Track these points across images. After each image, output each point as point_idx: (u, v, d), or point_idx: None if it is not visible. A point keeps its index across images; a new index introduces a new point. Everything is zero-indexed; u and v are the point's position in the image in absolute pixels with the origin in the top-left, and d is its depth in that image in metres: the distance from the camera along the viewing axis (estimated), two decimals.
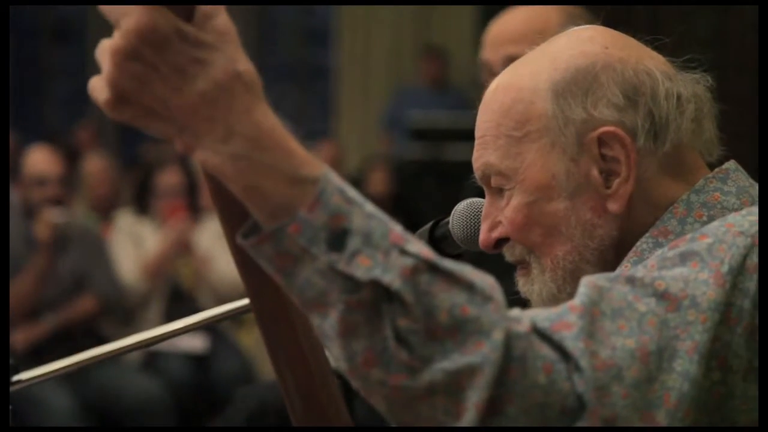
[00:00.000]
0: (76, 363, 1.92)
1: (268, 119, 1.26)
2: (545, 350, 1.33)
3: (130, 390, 5.83)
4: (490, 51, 2.88)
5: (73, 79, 11.49)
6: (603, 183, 1.66)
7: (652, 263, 1.48)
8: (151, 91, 1.24)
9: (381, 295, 1.27)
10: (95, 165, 7.06)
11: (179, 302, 6.40)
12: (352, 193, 1.28)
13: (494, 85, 1.74)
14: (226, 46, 1.25)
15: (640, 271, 1.46)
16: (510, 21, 2.91)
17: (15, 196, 6.03)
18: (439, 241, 1.91)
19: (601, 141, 1.65)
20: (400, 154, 9.60)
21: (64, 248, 5.81)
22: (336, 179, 1.28)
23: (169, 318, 6.03)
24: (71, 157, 7.75)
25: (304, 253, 1.26)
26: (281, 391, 1.45)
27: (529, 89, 1.68)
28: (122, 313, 6.11)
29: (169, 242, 6.48)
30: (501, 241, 1.72)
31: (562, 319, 1.37)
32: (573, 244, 1.66)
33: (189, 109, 1.24)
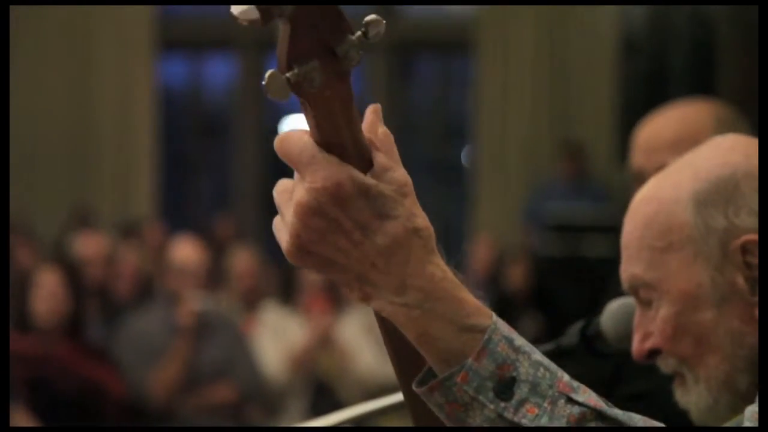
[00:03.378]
0: None
1: (441, 270, 1.30)
2: None
3: None
4: (642, 158, 2.82)
5: (218, 172, 11.73)
6: (749, 290, 1.67)
7: None
8: (333, 244, 1.28)
9: None
10: (241, 257, 7.20)
11: (321, 394, 6.45)
12: (521, 341, 1.31)
13: (639, 197, 1.77)
14: (405, 200, 1.29)
15: None
16: (663, 128, 2.87)
17: (161, 285, 6.18)
18: (592, 340, 1.95)
19: (745, 249, 1.67)
20: (538, 249, 9.59)
21: (206, 336, 5.92)
22: (504, 328, 1.31)
23: (313, 410, 6.10)
24: (216, 249, 7.92)
25: (473, 401, 1.28)
26: None
27: (671, 200, 1.71)
28: (263, 403, 6.18)
29: (314, 336, 6.56)
30: (654, 352, 1.74)
31: None
32: (723, 353, 1.68)
33: (367, 262, 1.28)
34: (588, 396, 1.31)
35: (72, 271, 6.01)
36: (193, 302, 5.87)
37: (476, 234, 10.25)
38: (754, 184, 1.68)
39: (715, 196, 1.69)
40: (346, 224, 1.27)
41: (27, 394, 5.66)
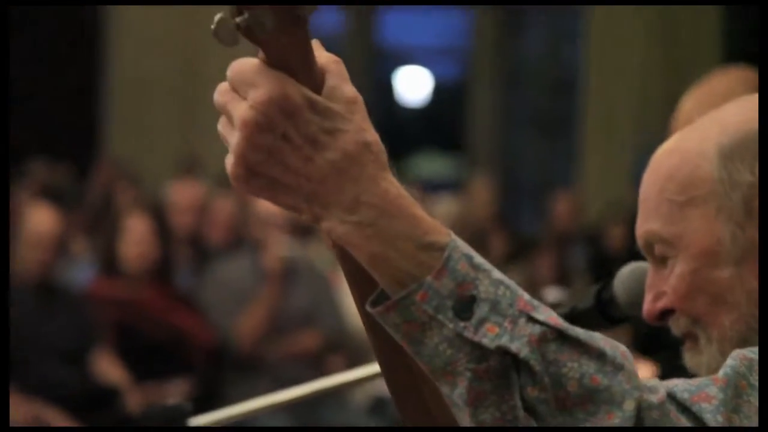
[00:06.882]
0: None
1: (395, 187, 1.26)
2: (683, 420, 1.30)
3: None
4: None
5: None
6: None
7: None
8: (282, 162, 1.24)
9: (509, 363, 1.24)
10: None
11: None
12: (480, 259, 1.27)
13: (661, 150, 1.72)
14: (354, 116, 1.25)
15: None
16: (704, 101, 2.78)
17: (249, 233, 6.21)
18: (607, 304, 1.89)
19: None
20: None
21: (293, 283, 5.94)
22: (463, 246, 1.26)
23: None
24: None
25: (432, 321, 1.24)
26: None
27: (696, 153, 1.65)
28: (346, 353, 6.20)
29: None
30: (666, 313, 1.68)
31: (703, 390, 1.33)
32: (740, 312, 1.61)
33: (318, 179, 1.24)
34: (548, 315, 1.27)
35: (160, 218, 6.07)
36: (279, 248, 5.89)
37: (577, 188, 10.15)
38: None
39: (743, 150, 1.62)
40: (296, 139, 1.23)
41: (114, 339, 5.75)
